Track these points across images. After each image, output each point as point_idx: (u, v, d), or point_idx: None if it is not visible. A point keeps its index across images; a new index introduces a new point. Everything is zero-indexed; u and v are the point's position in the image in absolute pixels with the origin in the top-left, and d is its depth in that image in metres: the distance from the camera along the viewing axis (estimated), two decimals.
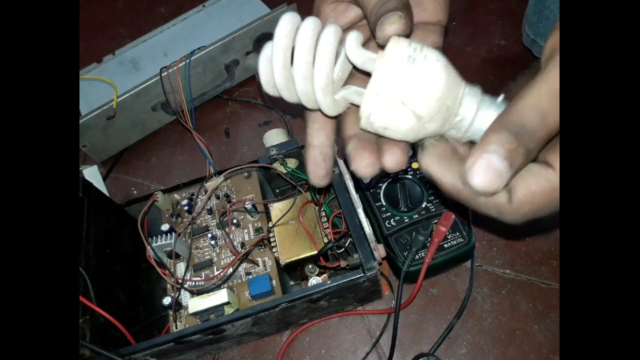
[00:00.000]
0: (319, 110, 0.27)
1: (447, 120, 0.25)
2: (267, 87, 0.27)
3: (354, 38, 0.26)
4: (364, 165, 0.27)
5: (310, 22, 0.25)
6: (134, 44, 0.73)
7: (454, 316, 0.48)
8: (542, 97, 0.21)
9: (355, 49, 0.26)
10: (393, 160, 0.27)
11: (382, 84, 0.24)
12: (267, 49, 0.27)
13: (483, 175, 0.21)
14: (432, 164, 0.24)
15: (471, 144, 0.26)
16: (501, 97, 0.25)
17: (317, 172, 0.31)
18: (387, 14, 0.25)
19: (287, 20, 0.26)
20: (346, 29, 0.31)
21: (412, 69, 0.24)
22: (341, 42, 0.26)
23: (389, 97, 0.24)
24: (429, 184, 0.51)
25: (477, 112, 0.24)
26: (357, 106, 0.27)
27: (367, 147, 0.27)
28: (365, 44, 0.27)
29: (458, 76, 0.25)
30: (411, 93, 0.24)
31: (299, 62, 0.25)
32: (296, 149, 0.49)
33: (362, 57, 0.26)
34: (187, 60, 0.62)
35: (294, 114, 0.67)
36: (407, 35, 0.25)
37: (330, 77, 0.26)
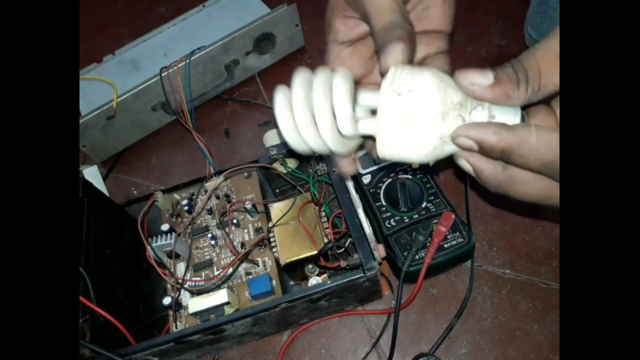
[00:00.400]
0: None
1: (464, 112, 0.25)
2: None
3: (344, 115, 0.27)
4: None
5: (320, 78, 0.27)
6: (134, 44, 0.73)
7: (454, 316, 0.48)
8: (540, 53, 0.24)
9: (347, 124, 0.27)
10: None
11: (387, 124, 0.25)
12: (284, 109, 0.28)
13: (473, 73, 0.24)
14: (471, 157, 0.26)
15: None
16: None
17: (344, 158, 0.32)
18: (390, 44, 0.26)
19: (298, 83, 0.28)
20: (357, 40, 0.32)
21: (403, 101, 0.25)
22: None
23: (400, 130, 0.25)
24: (429, 184, 0.51)
25: None
26: (371, 138, 0.28)
27: None
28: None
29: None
30: (414, 120, 0.25)
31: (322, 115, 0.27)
32: None
33: (354, 129, 0.27)
34: (187, 60, 0.62)
35: None
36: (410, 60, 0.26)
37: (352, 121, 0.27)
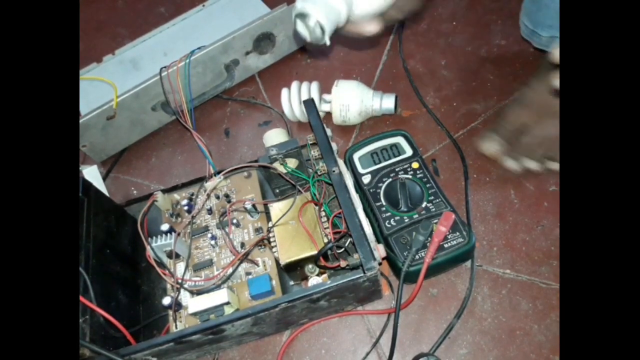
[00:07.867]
0: None
1: None
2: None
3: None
4: None
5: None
6: (134, 44, 0.73)
7: (454, 316, 0.48)
8: None
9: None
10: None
11: None
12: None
13: None
14: None
15: None
16: None
17: None
18: None
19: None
20: None
21: None
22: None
23: None
24: (429, 184, 0.51)
25: None
26: None
27: None
28: None
29: None
30: None
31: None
32: (296, 148, 0.49)
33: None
34: (187, 60, 0.62)
35: None
36: None
37: None
